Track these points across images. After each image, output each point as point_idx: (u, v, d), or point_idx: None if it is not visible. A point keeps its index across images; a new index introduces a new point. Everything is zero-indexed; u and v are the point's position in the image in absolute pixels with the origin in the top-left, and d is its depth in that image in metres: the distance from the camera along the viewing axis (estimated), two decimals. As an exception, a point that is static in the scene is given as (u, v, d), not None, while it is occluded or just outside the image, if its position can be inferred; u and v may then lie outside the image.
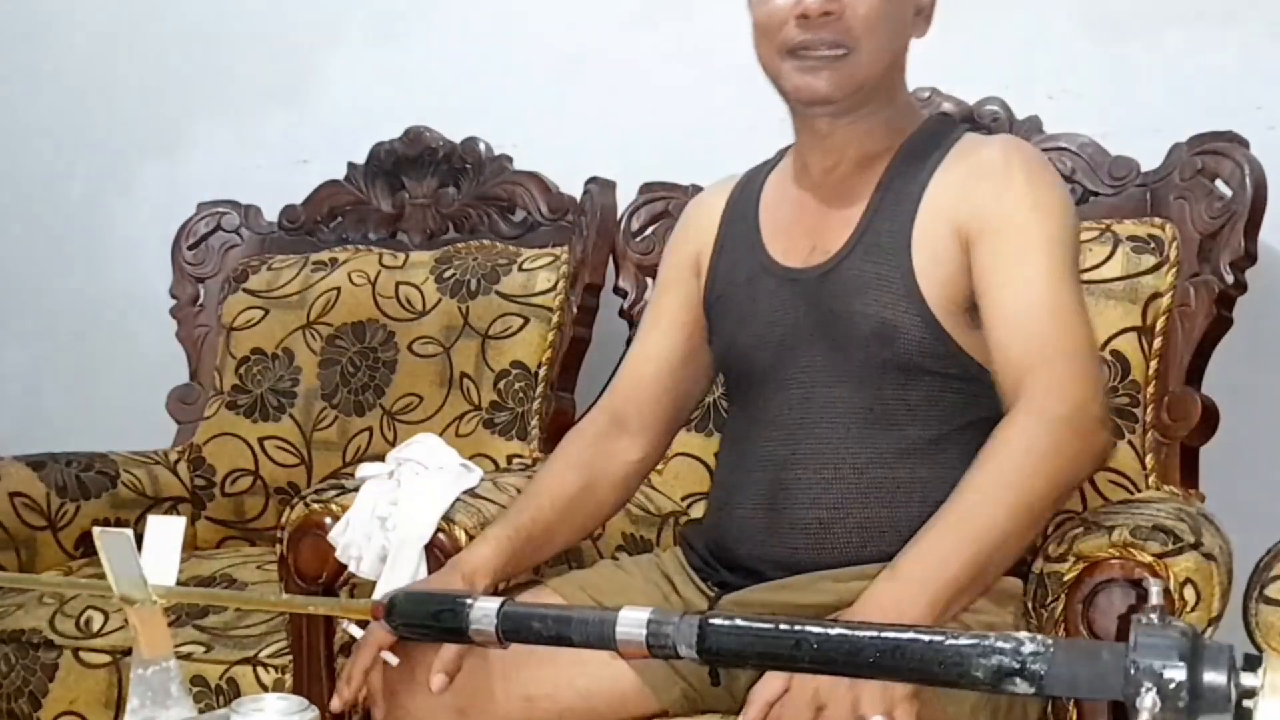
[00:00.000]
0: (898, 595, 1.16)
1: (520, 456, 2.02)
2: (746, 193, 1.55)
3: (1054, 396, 1.25)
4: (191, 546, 2.16)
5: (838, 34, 1.35)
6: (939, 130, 1.46)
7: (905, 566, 1.19)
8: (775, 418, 1.42)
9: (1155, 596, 0.68)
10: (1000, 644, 0.71)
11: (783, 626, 0.77)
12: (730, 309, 1.49)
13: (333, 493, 1.61)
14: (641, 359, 1.58)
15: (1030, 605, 1.35)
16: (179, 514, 2.13)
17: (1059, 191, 1.39)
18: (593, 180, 2.12)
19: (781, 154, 1.56)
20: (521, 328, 2.08)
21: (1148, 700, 0.67)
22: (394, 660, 1.33)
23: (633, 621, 0.79)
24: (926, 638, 0.72)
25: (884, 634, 0.74)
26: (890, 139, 1.43)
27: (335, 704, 1.36)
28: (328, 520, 1.58)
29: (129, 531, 1.00)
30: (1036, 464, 1.21)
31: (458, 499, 1.57)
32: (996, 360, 1.32)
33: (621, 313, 2.01)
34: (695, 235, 1.57)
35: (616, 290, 2.01)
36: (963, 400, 1.37)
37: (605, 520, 1.58)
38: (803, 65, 1.37)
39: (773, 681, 1.14)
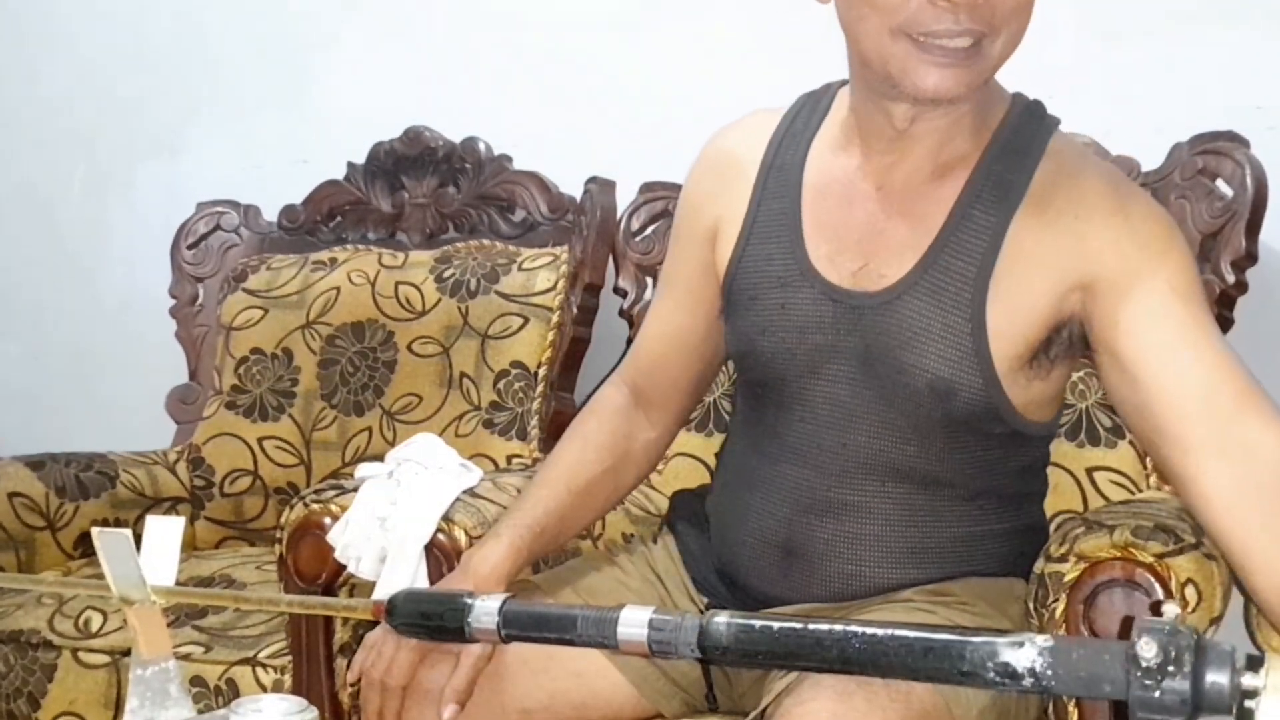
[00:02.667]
0: None
1: (520, 456, 2.01)
2: (787, 157, 1.34)
3: None
4: (191, 547, 2.16)
5: (979, 21, 1.12)
6: (1025, 131, 1.26)
7: None
8: (802, 450, 1.30)
9: (1169, 611, 0.68)
10: (1005, 643, 0.71)
11: (792, 626, 0.77)
12: (755, 309, 1.32)
13: (332, 493, 1.61)
14: (659, 330, 1.45)
15: (1031, 605, 1.35)
16: (178, 514, 2.13)
17: (1170, 220, 1.24)
18: (593, 180, 2.12)
19: (830, 94, 1.35)
20: (521, 328, 2.08)
21: (1149, 699, 0.67)
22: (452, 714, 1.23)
23: (635, 621, 0.79)
24: (935, 637, 0.72)
25: (892, 633, 0.74)
26: (974, 137, 1.25)
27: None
28: (327, 520, 1.57)
29: (128, 532, 0.99)
30: None
31: (457, 499, 1.57)
32: (1183, 412, 1.16)
33: (621, 313, 2.01)
34: (718, 195, 1.37)
35: (616, 290, 2.01)
36: (1004, 455, 1.29)
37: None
38: (930, 57, 1.14)
39: None
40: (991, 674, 0.71)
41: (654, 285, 1.94)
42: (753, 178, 1.35)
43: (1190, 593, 1.24)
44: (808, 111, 1.37)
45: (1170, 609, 0.68)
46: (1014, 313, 1.21)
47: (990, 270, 1.21)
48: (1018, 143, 1.25)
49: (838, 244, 1.28)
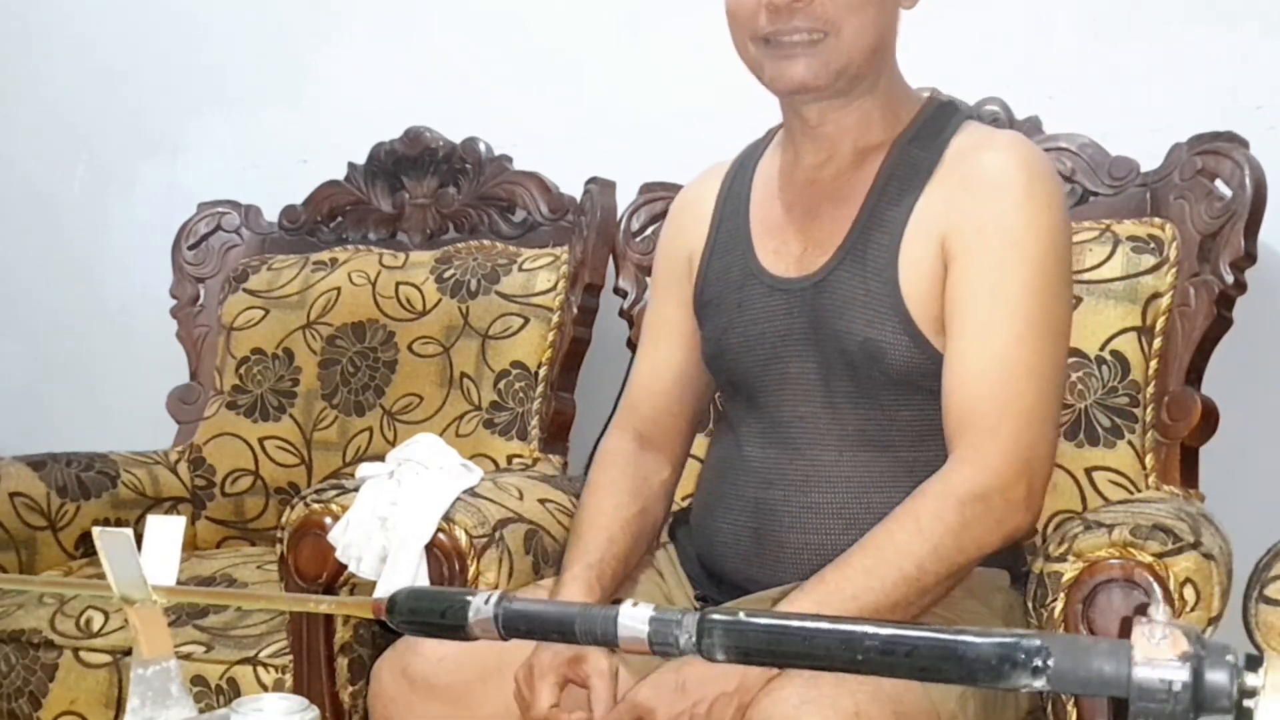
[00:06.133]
0: None
1: (520, 456, 2.02)
2: (738, 185, 1.47)
3: (976, 469, 1.21)
4: (191, 546, 2.16)
5: (812, 20, 1.28)
6: (937, 119, 1.37)
7: (812, 592, 1.17)
8: (763, 431, 1.38)
9: (1158, 609, 0.68)
10: (1005, 640, 0.71)
11: (789, 623, 0.77)
12: (718, 313, 1.43)
13: (333, 493, 1.61)
14: (653, 374, 1.52)
15: (1030, 604, 1.35)
16: (179, 514, 2.13)
17: (1051, 216, 1.28)
18: (593, 180, 2.12)
19: (772, 134, 1.49)
20: (521, 328, 2.08)
21: (1149, 697, 0.67)
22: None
23: (634, 617, 0.79)
24: (936, 637, 0.72)
25: (890, 631, 0.74)
26: (887, 129, 1.36)
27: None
28: (328, 520, 1.58)
29: (129, 531, 0.99)
30: (933, 543, 1.18)
31: (458, 499, 1.57)
32: (943, 401, 1.27)
33: (621, 313, 2.01)
34: (685, 235, 1.50)
35: (616, 290, 2.01)
36: None
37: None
38: (780, 53, 1.30)
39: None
40: (992, 673, 0.71)
41: (650, 287, 1.95)
42: (711, 210, 1.48)
43: (1189, 592, 1.25)
44: (753, 147, 1.51)
45: (1157, 614, 0.68)
46: (919, 277, 1.30)
47: (900, 237, 1.31)
48: (931, 127, 1.37)
49: (781, 238, 1.40)
